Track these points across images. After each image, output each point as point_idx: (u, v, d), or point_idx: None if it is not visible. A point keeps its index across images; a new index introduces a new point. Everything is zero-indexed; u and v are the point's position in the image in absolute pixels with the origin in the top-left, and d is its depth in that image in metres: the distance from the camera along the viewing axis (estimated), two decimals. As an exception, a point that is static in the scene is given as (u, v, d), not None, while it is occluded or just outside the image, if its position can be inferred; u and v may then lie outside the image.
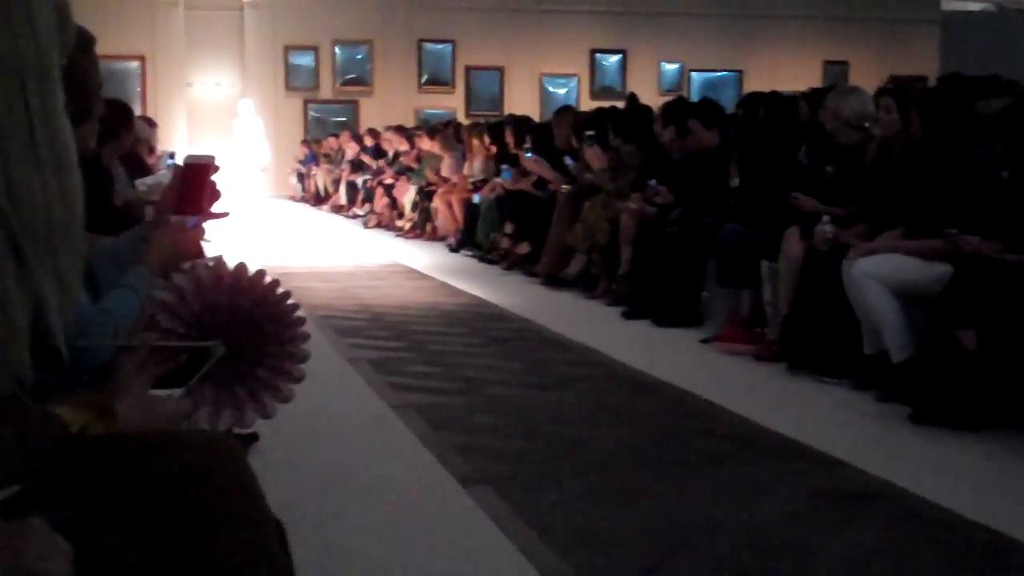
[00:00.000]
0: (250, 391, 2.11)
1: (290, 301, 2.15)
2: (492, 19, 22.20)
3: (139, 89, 20.69)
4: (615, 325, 6.93)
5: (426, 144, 13.72)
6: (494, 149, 11.29)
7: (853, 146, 5.71)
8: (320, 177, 18.78)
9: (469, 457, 4.01)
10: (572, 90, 22.62)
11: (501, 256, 9.89)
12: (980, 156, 4.87)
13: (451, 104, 22.05)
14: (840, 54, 23.12)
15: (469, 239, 11.03)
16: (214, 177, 2.23)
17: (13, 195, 1.36)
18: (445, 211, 12.17)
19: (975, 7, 24.65)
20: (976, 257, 4.37)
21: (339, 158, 18.03)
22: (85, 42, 2.44)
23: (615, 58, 23.00)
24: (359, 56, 22.14)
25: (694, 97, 16.81)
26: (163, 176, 6.12)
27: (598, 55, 22.91)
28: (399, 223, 13.76)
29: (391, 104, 21.62)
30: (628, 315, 7.06)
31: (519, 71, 22.52)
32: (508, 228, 9.87)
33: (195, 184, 2.20)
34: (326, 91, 22.16)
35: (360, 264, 10.54)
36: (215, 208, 2.25)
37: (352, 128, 19.70)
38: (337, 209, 16.96)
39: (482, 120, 13.35)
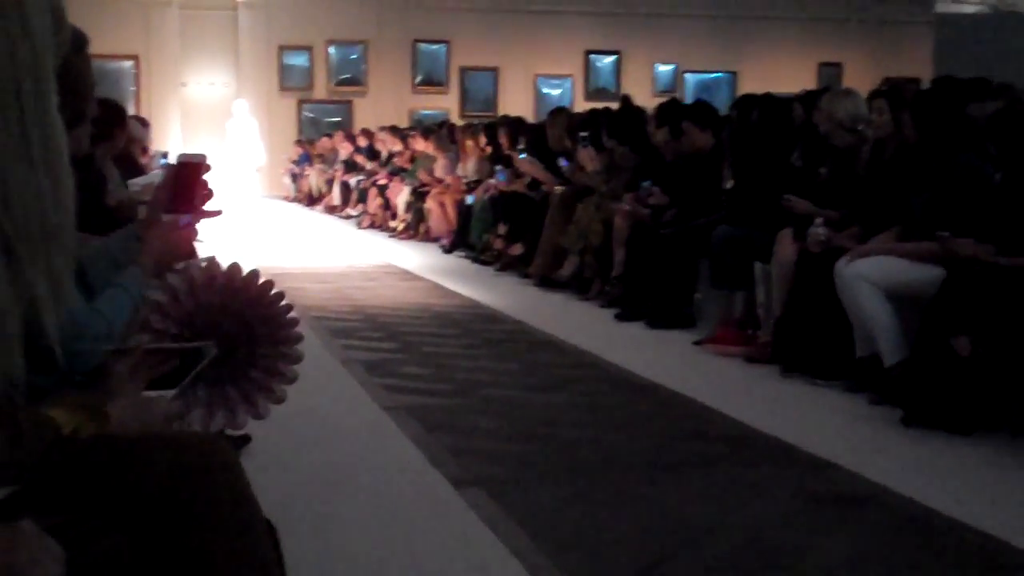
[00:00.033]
0: (243, 392, 2.11)
1: (283, 302, 2.15)
2: (486, 20, 22.20)
3: (133, 89, 20.67)
4: (608, 327, 6.94)
5: (420, 145, 13.71)
6: (489, 150, 11.29)
7: (846, 148, 5.72)
8: (314, 177, 18.77)
9: (462, 459, 4.01)
10: (566, 91, 22.63)
11: (494, 257, 9.89)
12: (973, 159, 4.88)
13: (445, 105, 22.03)
14: (834, 56, 23.16)
15: (462, 240, 11.03)
16: (206, 176, 2.22)
17: (6, 197, 1.36)
18: (438, 212, 12.17)
19: (969, 9, 24.70)
20: (969, 260, 4.37)
21: (333, 158, 18.02)
22: (79, 42, 2.44)
23: (609, 59, 23.01)
24: (353, 56, 22.13)
25: (688, 98, 16.84)
26: (156, 176, 6.10)
27: (592, 56, 22.93)
28: (392, 224, 13.76)
29: (385, 104, 21.61)
30: (621, 317, 7.06)
31: (513, 72, 22.52)
32: (501, 229, 9.87)
33: (187, 183, 2.19)
34: (320, 91, 22.14)
35: (353, 265, 10.53)
36: (208, 206, 2.24)
37: (346, 128, 19.69)
38: (331, 209, 16.94)
39: (476, 121, 13.35)
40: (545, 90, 22.58)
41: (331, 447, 4.18)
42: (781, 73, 21.22)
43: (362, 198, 15.39)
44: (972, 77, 6.67)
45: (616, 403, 4.97)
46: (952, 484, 3.77)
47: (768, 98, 6.79)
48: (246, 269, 2.14)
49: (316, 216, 16.83)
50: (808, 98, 6.66)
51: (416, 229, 12.93)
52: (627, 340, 6.48)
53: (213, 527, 1.49)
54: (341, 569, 3.01)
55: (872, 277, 4.81)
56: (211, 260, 2.10)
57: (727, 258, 6.15)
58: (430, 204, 12.41)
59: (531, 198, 9.41)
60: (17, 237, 1.37)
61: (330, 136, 18.77)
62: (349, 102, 22.11)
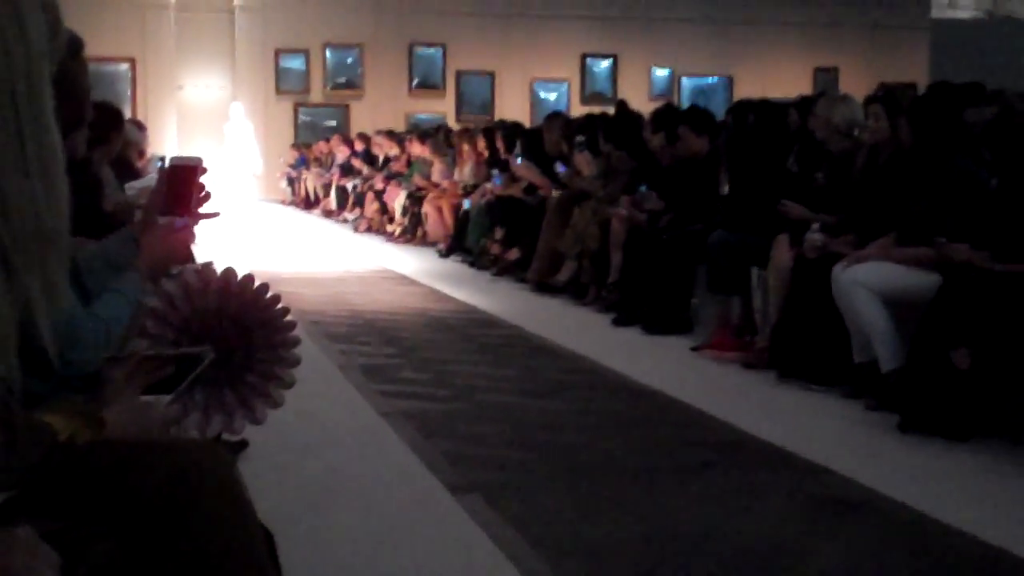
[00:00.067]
0: (240, 397, 2.11)
1: (280, 305, 2.14)
2: (483, 23, 22.21)
3: (129, 92, 20.65)
4: (605, 332, 6.93)
5: (417, 149, 13.71)
6: (487, 154, 11.29)
7: (842, 154, 5.72)
8: (310, 181, 18.76)
9: (459, 465, 4.01)
10: (563, 95, 22.64)
11: (491, 262, 9.88)
12: (969, 164, 4.88)
13: (442, 108, 22.03)
14: (830, 61, 23.20)
15: (459, 244, 11.03)
16: (203, 179, 2.22)
17: (2, 202, 1.36)
18: (435, 216, 12.17)
19: (964, 15, 24.78)
20: (965, 266, 4.38)
21: (329, 162, 18.02)
22: (75, 47, 2.43)
23: (606, 63, 23.03)
24: (350, 60, 22.12)
25: (684, 103, 16.85)
26: (152, 180, 6.08)
27: (589, 60, 22.94)
28: (389, 228, 13.75)
29: (382, 108, 21.60)
30: (618, 322, 7.06)
31: (510, 76, 22.53)
32: (498, 234, 9.86)
33: (182, 186, 2.19)
34: (317, 95, 22.13)
35: (350, 269, 10.52)
36: (205, 208, 2.24)
37: (343, 132, 19.68)
38: (327, 213, 16.94)
39: (472, 125, 13.35)
40: (542, 94, 22.60)
41: (328, 452, 4.18)
42: (777, 78, 21.28)
43: (359, 202, 15.38)
44: (967, 82, 6.67)
45: (613, 408, 4.97)
46: (948, 490, 3.77)
47: (764, 103, 6.79)
48: (242, 273, 2.13)
49: (313, 220, 16.83)
50: (804, 103, 6.66)
51: (413, 233, 12.92)
52: (624, 345, 6.47)
53: (209, 534, 1.49)
54: (337, 575, 3.00)
55: (868, 283, 4.81)
56: (206, 265, 2.10)
57: (723, 263, 6.15)
58: (427, 208, 12.41)
59: (528, 203, 9.41)
60: (12, 243, 1.36)
61: (327, 140, 18.77)
62: (345, 105, 22.11)
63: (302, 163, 19.66)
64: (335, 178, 17.04)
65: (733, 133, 6.74)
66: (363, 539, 3.25)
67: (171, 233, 2.16)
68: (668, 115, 7.56)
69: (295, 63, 21.90)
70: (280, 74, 21.87)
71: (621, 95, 15.57)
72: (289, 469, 3.91)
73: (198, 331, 2.04)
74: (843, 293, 4.91)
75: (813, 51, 23.20)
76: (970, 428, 4.30)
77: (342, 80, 22.13)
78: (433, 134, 13.59)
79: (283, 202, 20.04)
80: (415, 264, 10.73)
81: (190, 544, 1.48)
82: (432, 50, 22.36)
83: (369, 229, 14.40)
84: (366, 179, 15.54)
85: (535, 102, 22.24)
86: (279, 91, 21.86)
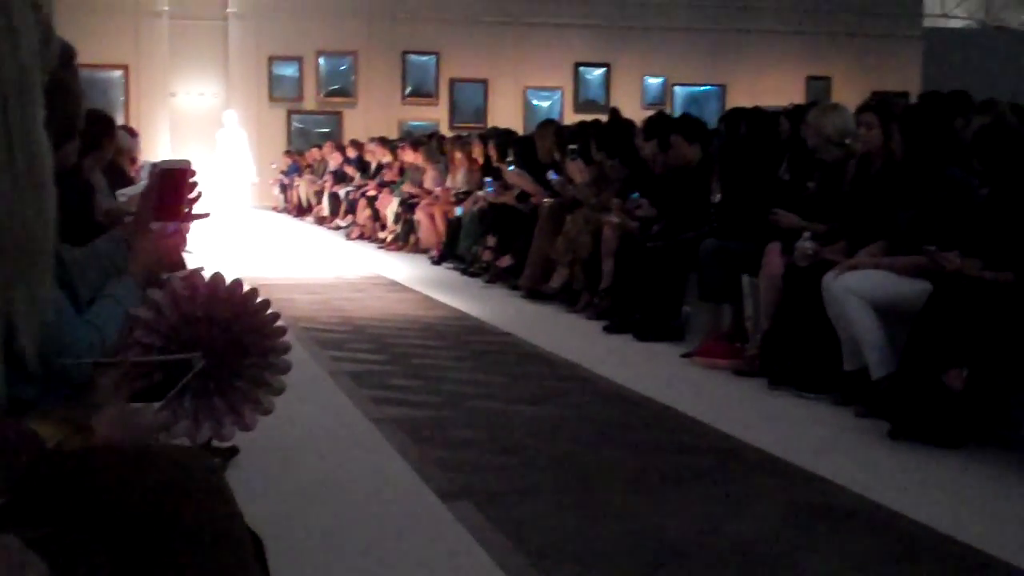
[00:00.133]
0: (230, 403, 2.10)
1: (270, 311, 2.13)
2: (476, 31, 22.23)
3: (122, 99, 20.62)
4: (596, 339, 6.94)
5: (409, 156, 13.71)
6: (481, 161, 11.30)
7: (834, 162, 5.74)
8: (303, 188, 18.76)
9: (449, 471, 4.01)
10: (556, 103, 22.66)
11: (483, 269, 9.89)
12: (959, 173, 4.90)
13: (435, 116, 22.04)
14: (823, 69, 23.25)
15: (451, 252, 11.04)
16: (192, 180, 2.22)
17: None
18: (427, 223, 12.17)
19: (957, 24, 24.86)
20: (955, 274, 4.39)
21: (322, 169, 18.02)
22: (67, 56, 2.43)
23: (599, 71, 23.06)
24: (343, 67, 22.13)
25: (677, 111, 16.87)
26: (143, 186, 6.08)
27: (582, 68, 22.96)
28: (381, 235, 13.75)
29: (374, 115, 21.61)
30: (609, 329, 7.07)
31: (503, 83, 22.55)
32: (490, 241, 9.87)
33: (172, 191, 2.19)
34: (310, 102, 22.13)
35: (342, 276, 10.52)
36: (196, 209, 2.24)
37: (335, 139, 19.68)
38: (320, 220, 16.94)
39: (465, 132, 13.35)
40: (535, 102, 22.61)
41: (318, 459, 4.17)
42: (770, 86, 21.30)
43: (351, 209, 15.39)
44: (956, 90, 6.70)
45: (604, 415, 4.97)
46: (939, 497, 3.78)
47: (756, 112, 6.81)
48: (230, 279, 2.13)
49: (305, 227, 16.82)
50: (796, 112, 6.68)
51: (405, 240, 12.93)
52: (615, 352, 6.48)
53: (197, 542, 1.49)
54: (327, 582, 3.00)
55: (859, 290, 4.82)
56: (193, 272, 2.09)
57: (715, 271, 6.16)
58: (419, 215, 12.41)
59: (520, 210, 9.41)
60: None
61: (319, 147, 18.77)
62: (338, 113, 22.11)
63: (295, 170, 19.65)
64: (328, 185, 17.04)
65: (725, 141, 6.75)
66: (353, 545, 3.24)
67: (163, 238, 2.16)
68: (660, 123, 7.57)
69: (288, 70, 21.90)
70: (273, 81, 21.87)
71: (614, 103, 15.61)
72: (279, 475, 3.90)
73: (187, 338, 2.04)
74: (834, 301, 4.92)
75: (806, 60, 23.25)
76: (961, 435, 4.31)
77: (335, 88, 22.13)
78: (426, 142, 13.60)
79: (275, 209, 20.02)
80: (407, 271, 10.73)
81: (178, 551, 1.48)
82: (425, 58, 22.37)
83: (361, 236, 14.40)
84: (359, 186, 15.55)
85: (528, 110, 22.26)
86: (272, 98, 21.86)
